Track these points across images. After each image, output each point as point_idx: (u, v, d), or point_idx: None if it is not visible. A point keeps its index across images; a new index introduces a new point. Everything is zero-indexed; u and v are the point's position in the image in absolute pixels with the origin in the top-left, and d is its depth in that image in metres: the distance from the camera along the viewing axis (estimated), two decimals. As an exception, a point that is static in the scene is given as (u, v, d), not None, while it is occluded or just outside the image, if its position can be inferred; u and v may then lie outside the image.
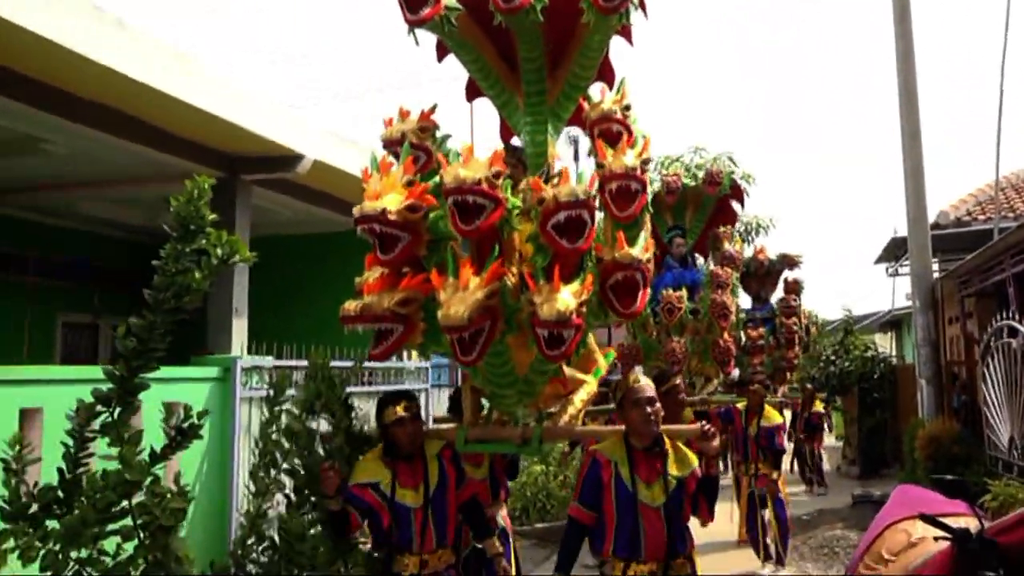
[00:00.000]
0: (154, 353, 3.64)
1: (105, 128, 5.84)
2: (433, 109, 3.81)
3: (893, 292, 18.88)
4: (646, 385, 3.62)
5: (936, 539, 3.44)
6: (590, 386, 3.82)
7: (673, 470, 3.56)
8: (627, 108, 3.74)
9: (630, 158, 3.21)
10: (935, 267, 11.83)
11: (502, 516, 4.80)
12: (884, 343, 20.12)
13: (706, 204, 8.53)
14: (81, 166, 6.97)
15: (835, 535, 9.18)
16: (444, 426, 4.25)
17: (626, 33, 3.95)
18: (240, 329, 6.95)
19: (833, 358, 15.48)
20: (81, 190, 7.82)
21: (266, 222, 8.79)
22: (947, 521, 3.43)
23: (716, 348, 7.73)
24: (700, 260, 8.96)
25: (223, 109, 5.83)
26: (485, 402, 3.93)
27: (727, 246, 8.19)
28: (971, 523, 3.41)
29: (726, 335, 7.75)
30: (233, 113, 5.92)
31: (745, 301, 10.09)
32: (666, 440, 3.60)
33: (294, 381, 6.38)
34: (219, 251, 3.56)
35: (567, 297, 2.84)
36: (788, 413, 13.76)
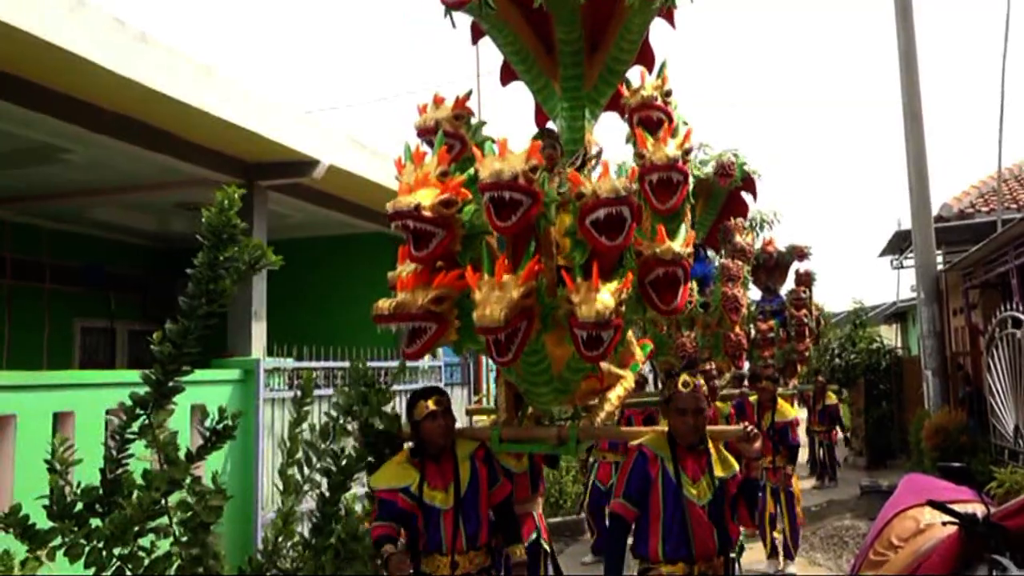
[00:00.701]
0: (187, 357, 3.78)
1: (125, 137, 5.98)
2: (468, 95, 3.73)
3: (898, 284, 19.00)
4: (693, 394, 3.43)
5: (944, 524, 3.57)
6: (627, 381, 3.73)
7: (717, 470, 3.45)
8: (668, 94, 3.65)
9: (672, 148, 3.11)
10: (939, 259, 11.93)
11: (537, 514, 4.67)
12: (889, 335, 20.21)
13: (717, 196, 8.39)
14: (99, 174, 7.11)
15: (844, 525, 9.30)
16: (478, 426, 4.24)
17: (669, 15, 3.82)
18: (260, 332, 7.09)
19: (839, 351, 15.59)
20: (99, 197, 7.96)
21: (280, 226, 8.93)
22: (954, 507, 3.56)
23: (727, 342, 7.67)
24: (711, 253, 8.84)
25: (242, 117, 5.96)
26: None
27: (738, 238, 8.05)
28: (978, 508, 3.54)
29: (737, 328, 7.69)
30: (251, 121, 6.05)
31: (755, 294, 10.16)
32: (708, 441, 3.49)
33: (315, 382, 6.56)
34: (247, 257, 3.69)
35: (606, 297, 2.76)
36: (802, 406, 13.84)
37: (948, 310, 10.93)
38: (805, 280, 10.02)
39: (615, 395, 3.64)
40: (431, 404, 3.52)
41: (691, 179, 3.43)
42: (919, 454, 9.89)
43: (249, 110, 6.05)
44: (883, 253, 14.58)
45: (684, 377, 3.43)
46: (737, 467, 3.50)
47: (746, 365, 8.76)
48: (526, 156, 2.86)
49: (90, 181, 7.34)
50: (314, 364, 6.59)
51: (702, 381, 3.52)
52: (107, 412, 5.32)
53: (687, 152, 3.23)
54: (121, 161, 6.57)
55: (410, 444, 3.66)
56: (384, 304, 3.00)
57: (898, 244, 13.52)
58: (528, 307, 2.85)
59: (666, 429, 3.51)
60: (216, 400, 5.69)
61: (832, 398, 13.39)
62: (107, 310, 10.09)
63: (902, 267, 14.45)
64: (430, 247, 2.97)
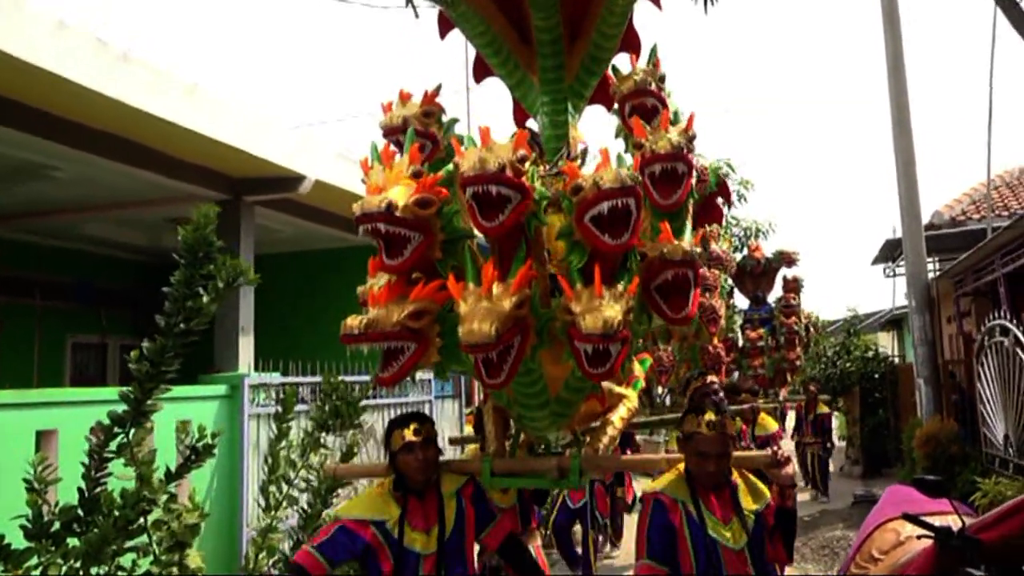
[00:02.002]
0: (165, 375, 3.79)
1: (111, 155, 6.01)
2: (437, 90, 3.39)
3: (893, 292, 18.95)
4: (719, 437, 2.92)
5: (919, 537, 3.58)
6: (630, 401, 3.32)
7: (747, 503, 2.99)
8: (662, 80, 3.32)
9: (674, 136, 2.77)
10: (933, 267, 11.93)
11: (534, 547, 4.28)
12: (886, 342, 20.21)
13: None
14: (87, 191, 7.14)
15: (836, 535, 9.28)
16: (466, 457, 3.84)
17: None
18: (247, 347, 7.10)
19: (834, 359, 15.59)
20: (87, 214, 8.00)
21: (269, 240, 8.96)
22: (931, 519, 3.56)
23: (705, 355, 7.35)
24: None
25: (227, 134, 5.99)
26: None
27: (714, 246, 7.68)
28: (954, 521, 3.55)
29: (715, 340, 7.38)
30: (237, 138, 6.08)
31: (742, 302, 10.08)
32: (733, 470, 3.02)
33: (300, 397, 6.59)
34: (224, 275, 3.70)
35: (612, 305, 2.40)
36: (792, 415, 13.73)
37: (940, 318, 10.93)
38: (793, 286, 9.87)
39: (618, 417, 3.20)
40: (408, 434, 3.01)
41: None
42: (912, 463, 9.88)
43: (235, 127, 6.07)
44: (876, 261, 14.58)
45: (709, 416, 2.89)
46: (769, 495, 3.05)
47: (735, 375, 8.70)
48: (513, 146, 2.51)
49: (78, 197, 7.36)
50: (300, 379, 6.59)
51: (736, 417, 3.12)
52: (89, 430, 5.32)
53: (691, 140, 2.85)
54: (108, 178, 6.60)
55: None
56: (353, 322, 2.54)
57: (890, 252, 13.53)
58: (522, 319, 2.46)
59: (681, 466, 3.04)
60: (202, 416, 5.69)
61: (824, 408, 13.27)
62: (98, 326, 10.11)
63: (895, 275, 14.46)
64: (405, 254, 2.57)
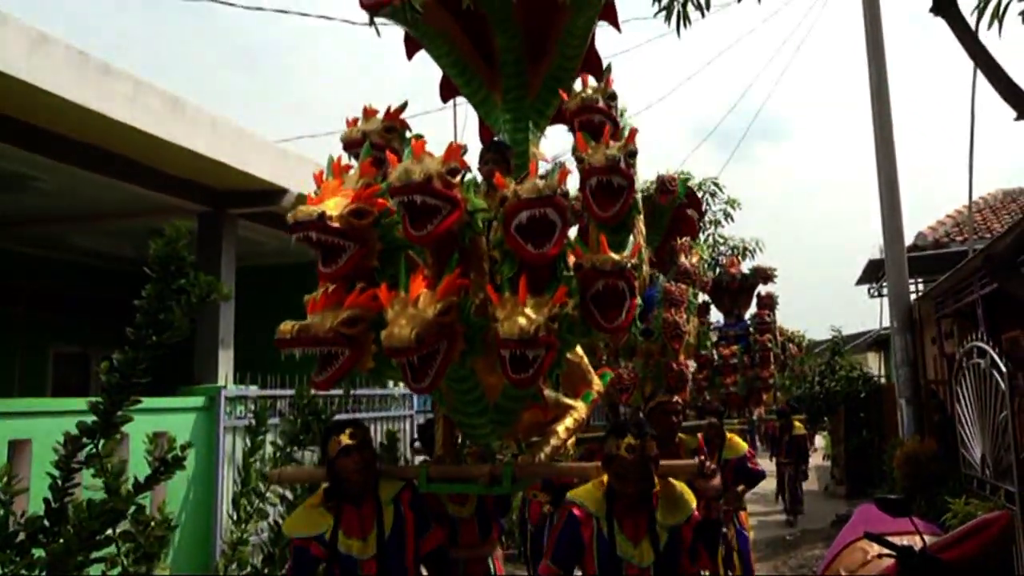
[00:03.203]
0: (136, 387, 3.80)
1: (94, 167, 6.03)
2: (403, 107, 3.42)
3: (880, 312, 19.05)
4: (638, 464, 2.88)
5: (881, 556, 3.62)
6: (578, 412, 3.33)
7: (665, 517, 2.98)
8: (612, 97, 3.39)
9: (612, 150, 2.82)
10: (917, 288, 12.02)
11: (494, 557, 4.22)
12: (873, 363, 20.30)
13: (661, 215, 7.60)
14: (70, 202, 7.16)
15: (815, 555, 9.29)
16: (403, 464, 3.91)
17: (611, 16, 3.65)
18: (226, 359, 7.10)
19: (819, 379, 15.64)
20: (70, 224, 8.02)
21: (252, 252, 8.97)
22: (895, 539, 3.60)
23: (669, 372, 7.00)
24: (661, 277, 8.46)
25: (209, 147, 6.02)
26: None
27: (683, 259, 7.40)
28: (917, 541, 3.58)
29: (681, 358, 7.03)
30: (218, 151, 6.12)
31: (718, 318, 9.92)
32: (656, 482, 2.99)
33: (278, 410, 6.59)
34: (198, 290, 3.73)
35: (530, 312, 2.47)
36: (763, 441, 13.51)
37: (922, 339, 11.00)
38: (767, 302, 9.73)
39: (563, 427, 3.23)
40: (345, 439, 3.09)
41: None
42: (892, 483, 9.91)
43: (217, 140, 6.11)
44: (860, 281, 14.69)
45: (628, 440, 2.88)
46: (694, 505, 3.03)
47: (706, 394, 8.57)
48: (443, 158, 2.60)
49: (62, 208, 7.38)
50: (277, 392, 6.59)
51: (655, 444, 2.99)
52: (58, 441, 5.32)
53: (632, 155, 2.89)
54: (90, 189, 6.62)
55: (325, 485, 3.25)
56: (287, 327, 2.58)
57: (874, 273, 13.64)
58: (447, 326, 2.52)
59: (605, 479, 3.03)
60: (179, 428, 5.69)
61: (800, 428, 13.13)
62: (81, 337, 10.08)
63: (880, 295, 14.56)
64: (339, 262, 2.65)
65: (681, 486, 3.06)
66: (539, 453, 3.14)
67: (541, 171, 3.31)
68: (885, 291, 14.17)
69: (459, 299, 2.63)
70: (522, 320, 2.44)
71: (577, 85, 3.53)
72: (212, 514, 5.88)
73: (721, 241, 16.66)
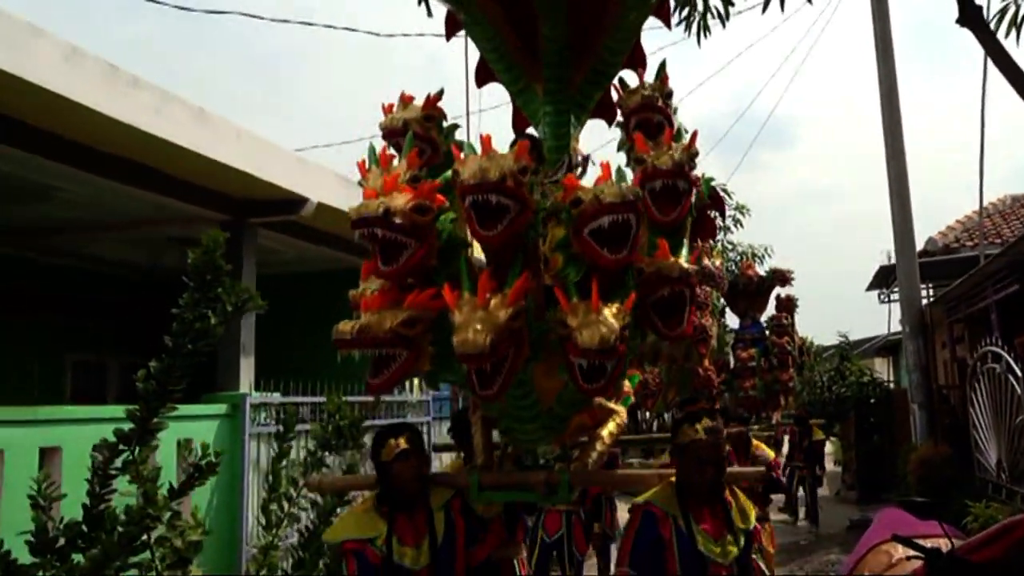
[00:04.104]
0: (172, 394, 3.86)
1: (118, 177, 6.11)
2: (440, 95, 3.37)
3: (888, 317, 19.09)
4: (715, 442, 2.95)
5: (909, 559, 3.65)
6: (620, 417, 3.28)
7: (739, 522, 2.99)
8: (668, 96, 3.33)
9: (677, 152, 2.76)
10: (928, 293, 12.06)
11: (519, 560, 4.16)
12: (881, 368, 20.31)
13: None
14: (91, 211, 7.24)
15: (831, 559, 9.32)
16: (447, 468, 3.80)
17: (664, 14, 3.57)
18: (248, 367, 7.17)
19: (829, 384, 15.66)
20: (90, 233, 8.09)
21: (273, 261, 9.05)
22: (921, 541, 3.64)
23: (696, 378, 7.01)
24: None
25: (233, 157, 6.10)
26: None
27: (706, 262, 7.51)
28: (944, 543, 3.63)
29: (706, 362, 6.96)
30: (242, 161, 6.19)
31: (734, 321, 9.86)
32: (726, 488, 3.02)
33: (300, 416, 6.65)
34: (232, 298, 3.79)
35: (610, 321, 2.37)
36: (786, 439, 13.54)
37: (934, 344, 11.05)
38: (787, 306, 9.56)
39: (607, 433, 3.16)
40: (402, 442, 3.01)
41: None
42: (907, 487, 9.94)
43: (240, 150, 6.19)
44: (870, 287, 14.73)
45: (706, 421, 2.91)
46: (754, 516, 3.08)
47: (726, 397, 8.56)
48: (515, 156, 2.48)
49: (82, 217, 7.46)
50: (301, 399, 6.66)
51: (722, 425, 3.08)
52: (94, 447, 5.39)
53: (693, 157, 2.83)
54: (113, 199, 6.70)
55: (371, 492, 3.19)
56: (346, 327, 2.51)
57: (884, 278, 13.68)
58: (516, 332, 2.41)
59: (672, 479, 3.04)
60: (203, 435, 5.75)
61: (819, 434, 13.01)
62: (98, 345, 10.15)
63: (890, 300, 14.61)
64: (400, 261, 2.52)
65: (743, 497, 3.09)
66: (588, 458, 3.06)
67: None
68: (895, 297, 14.23)
69: (526, 303, 2.50)
70: (603, 329, 2.34)
71: (632, 80, 3.48)
72: (238, 520, 5.94)
73: (730, 247, 16.71)
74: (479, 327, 2.30)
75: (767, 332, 9.62)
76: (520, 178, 2.45)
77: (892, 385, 16.98)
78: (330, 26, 21.00)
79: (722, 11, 4.65)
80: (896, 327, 16.80)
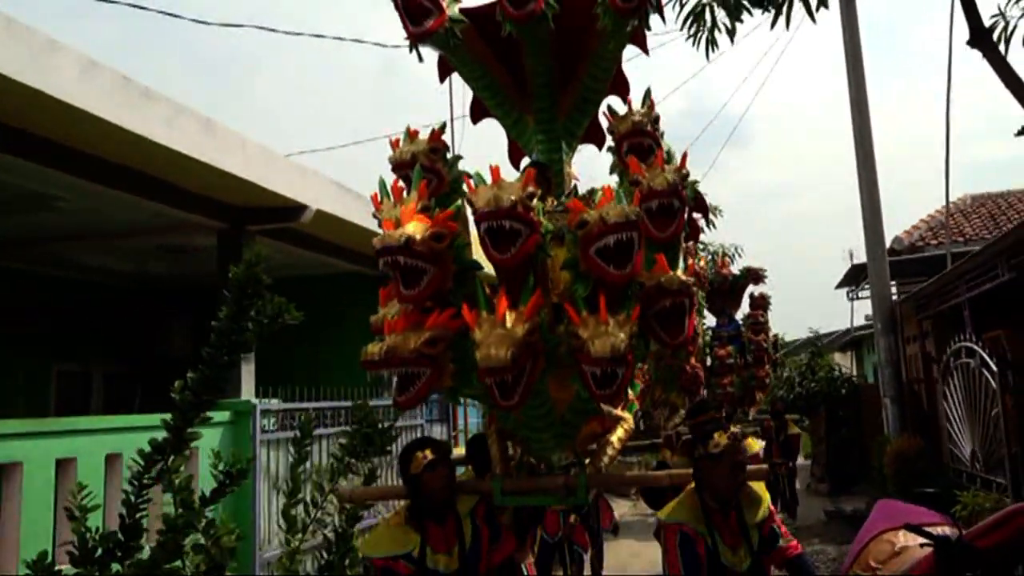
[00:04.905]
0: (206, 404, 3.92)
1: (121, 186, 6.11)
2: (443, 128, 3.57)
3: (851, 314, 19.62)
4: (739, 445, 3.27)
5: (922, 546, 3.88)
6: (627, 423, 3.54)
7: (751, 517, 3.30)
8: (656, 121, 3.53)
9: (670, 174, 2.96)
10: (893, 291, 12.47)
11: (527, 565, 4.33)
12: (844, 362, 20.87)
13: None
14: (88, 220, 7.21)
15: (812, 550, 9.59)
16: (475, 480, 3.88)
17: (640, 41, 3.77)
18: (249, 373, 7.20)
19: (799, 380, 16.07)
20: (82, 243, 8.04)
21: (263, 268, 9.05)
22: (928, 529, 3.87)
23: (683, 376, 7.04)
24: None
25: (238, 167, 6.14)
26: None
27: (691, 262, 7.67)
28: (949, 530, 3.86)
29: (693, 360, 7.07)
30: (247, 170, 6.24)
31: (710, 320, 10.10)
32: None
33: (301, 422, 6.70)
34: (269, 310, 3.85)
35: (619, 331, 2.57)
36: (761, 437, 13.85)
37: (902, 339, 11.44)
38: (760, 303, 9.88)
39: (616, 438, 3.42)
40: (428, 454, 3.21)
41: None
42: (882, 479, 10.28)
43: (245, 159, 6.23)
44: (840, 285, 15.17)
45: (733, 429, 3.33)
46: (768, 498, 3.39)
47: (704, 394, 8.71)
48: (523, 184, 2.71)
49: (77, 227, 7.42)
50: (303, 405, 6.72)
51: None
52: (106, 457, 5.40)
53: (684, 177, 3.05)
54: (112, 208, 6.69)
55: (402, 504, 3.39)
56: (374, 349, 2.72)
57: (855, 276, 14.12)
58: (533, 345, 2.61)
59: (690, 490, 3.34)
60: (207, 443, 5.77)
61: (794, 428, 13.41)
62: (83, 355, 10.05)
63: (857, 298, 15.07)
64: (422, 285, 2.72)
65: (751, 485, 3.36)
66: (600, 463, 3.29)
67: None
68: (863, 294, 14.69)
69: (540, 318, 2.71)
70: (614, 339, 2.53)
71: (622, 108, 3.66)
72: (250, 526, 5.98)
73: (702, 247, 17.04)
74: (499, 342, 2.49)
75: (743, 329, 9.88)
76: (528, 203, 2.67)
77: (856, 380, 17.50)
78: (266, 27, 20.73)
79: (729, 27, 4.83)
80: (858, 323, 17.36)
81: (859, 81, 11.22)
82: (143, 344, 10.49)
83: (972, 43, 3.67)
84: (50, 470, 4.99)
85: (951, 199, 15.56)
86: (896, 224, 18.43)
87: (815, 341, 17.12)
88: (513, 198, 2.63)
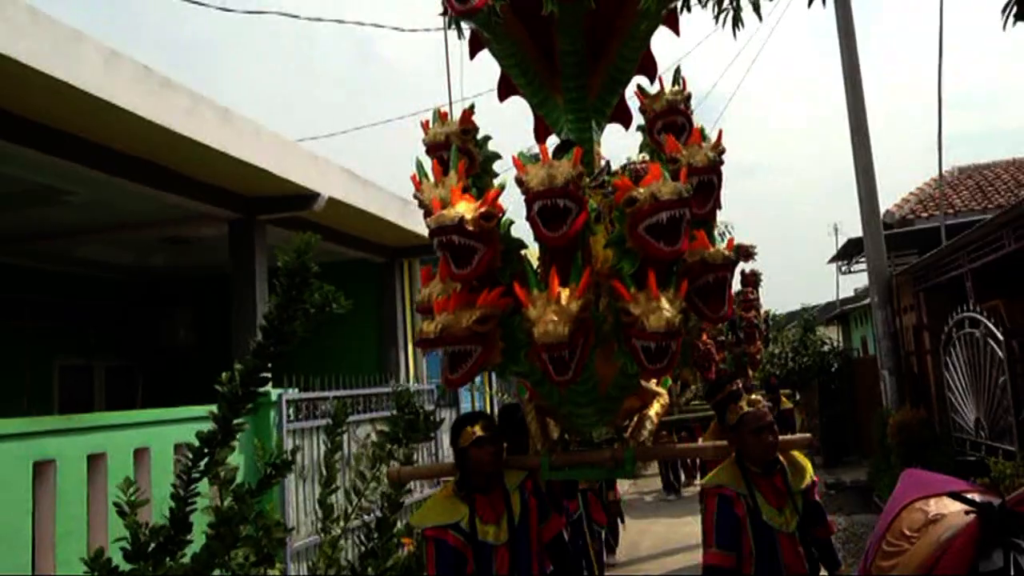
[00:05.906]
0: (255, 395, 3.91)
1: (133, 177, 6.03)
2: (472, 110, 3.59)
3: (837, 287, 19.89)
4: (760, 410, 3.43)
5: (967, 512, 3.96)
6: (664, 398, 3.63)
7: (796, 484, 3.43)
8: (688, 99, 3.55)
9: (708, 151, 3.02)
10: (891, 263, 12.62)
11: None
12: (832, 335, 21.15)
13: None
14: (96, 214, 7.11)
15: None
16: (522, 456, 3.97)
17: (672, 22, 3.79)
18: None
19: (792, 355, 16.27)
20: (88, 236, 7.93)
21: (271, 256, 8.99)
22: (939, 500, 3.96)
23: (695, 351, 6.87)
24: None
25: (255, 156, 6.08)
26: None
27: (730, 237, 7.69)
28: (989, 497, 3.95)
29: (704, 336, 7.09)
30: (262, 159, 6.18)
31: None
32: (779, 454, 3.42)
33: (320, 411, 6.70)
34: (316, 299, 3.83)
35: (670, 306, 2.60)
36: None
37: (899, 311, 11.60)
38: (752, 280, 9.95)
39: (654, 412, 3.50)
40: (478, 429, 3.33)
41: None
42: (884, 450, 10.46)
43: (260, 148, 6.17)
44: (833, 259, 15.34)
45: (747, 397, 3.43)
46: (811, 469, 3.54)
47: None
48: (572, 163, 2.73)
49: (84, 221, 7.33)
50: (322, 393, 6.71)
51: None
52: (134, 451, 5.38)
53: (721, 154, 3.10)
54: (122, 200, 6.60)
55: (451, 479, 3.48)
56: (429, 327, 2.76)
57: (849, 251, 14.27)
58: (585, 321, 2.64)
59: (731, 458, 3.45)
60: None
61: (787, 403, 13.59)
62: (85, 349, 9.95)
63: (849, 272, 15.25)
64: (473, 264, 2.74)
65: (795, 452, 3.51)
66: (641, 436, 3.36)
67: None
68: (855, 268, 14.88)
69: (591, 295, 2.73)
70: (667, 314, 2.56)
71: (653, 87, 3.66)
72: (280, 515, 5.98)
73: (692, 226, 17.13)
74: (556, 319, 2.54)
75: (734, 306, 9.93)
76: (579, 182, 2.71)
77: (852, 353, 17.74)
78: (258, 12, 20.49)
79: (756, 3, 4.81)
80: (844, 295, 17.57)
81: (852, 55, 11.29)
82: (145, 337, 10.41)
83: (1020, 17, 3.70)
84: (82, 466, 4.95)
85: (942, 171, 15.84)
86: (886, 197, 18.60)
87: (808, 317, 17.27)
88: (566, 177, 2.67)
